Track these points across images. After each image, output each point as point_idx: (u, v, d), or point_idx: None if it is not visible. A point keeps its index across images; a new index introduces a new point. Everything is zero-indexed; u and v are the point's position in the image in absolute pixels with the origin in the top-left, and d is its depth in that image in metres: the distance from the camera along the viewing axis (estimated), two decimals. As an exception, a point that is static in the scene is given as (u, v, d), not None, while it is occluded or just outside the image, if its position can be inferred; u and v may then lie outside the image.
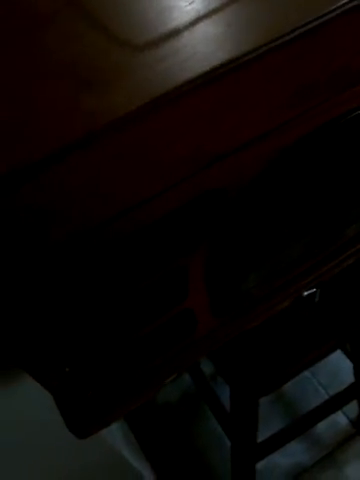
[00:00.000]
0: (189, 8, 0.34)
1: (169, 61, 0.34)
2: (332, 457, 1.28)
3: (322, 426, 1.29)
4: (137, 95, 0.32)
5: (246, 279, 0.51)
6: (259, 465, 1.17)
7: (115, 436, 1.07)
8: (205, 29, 0.34)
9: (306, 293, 0.63)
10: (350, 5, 0.34)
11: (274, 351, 0.81)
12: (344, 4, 0.34)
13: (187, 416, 1.36)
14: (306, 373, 1.38)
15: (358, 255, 0.64)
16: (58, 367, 0.45)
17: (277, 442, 1.16)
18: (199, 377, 1.22)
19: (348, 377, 1.22)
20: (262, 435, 1.15)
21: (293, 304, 0.65)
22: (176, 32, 0.33)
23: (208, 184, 0.38)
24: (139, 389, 0.55)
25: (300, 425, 1.22)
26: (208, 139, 0.36)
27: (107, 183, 0.34)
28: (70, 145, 0.29)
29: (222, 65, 0.33)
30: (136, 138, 0.33)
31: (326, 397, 1.30)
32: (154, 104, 0.32)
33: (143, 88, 0.33)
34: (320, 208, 0.49)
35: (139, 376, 0.54)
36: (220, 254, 0.46)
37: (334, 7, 0.34)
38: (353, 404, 1.27)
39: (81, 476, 0.97)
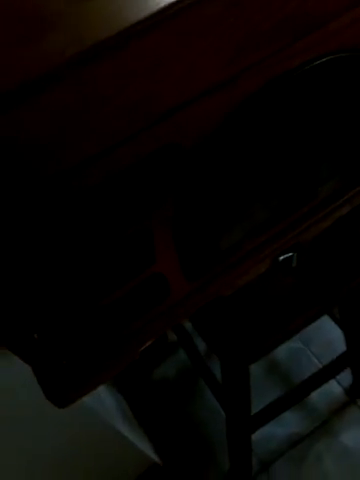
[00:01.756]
0: None
1: (115, 5, 0.34)
2: (327, 425, 1.30)
3: (317, 395, 1.30)
4: (83, 39, 0.32)
5: (217, 240, 0.52)
6: (255, 435, 1.18)
7: (111, 412, 1.09)
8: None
9: (282, 257, 0.63)
10: None
11: (260, 318, 0.82)
12: None
13: (184, 391, 1.38)
14: (299, 344, 1.39)
15: (334, 217, 0.64)
16: (27, 334, 0.45)
17: (272, 412, 1.18)
18: (194, 353, 1.23)
19: (341, 346, 1.23)
20: (257, 406, 1.16)
21: (271, 269, 0.65)
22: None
23: (164, 138, 0.38)
24: (116, 356, 0.55)
25: (294, 395, 1.23)
26: (158, 88, 0.35)
27: (55, 137, 0.34)
28: (11, 94, 0.29)
29: (165, 8, 0.33)
30: (84, 84, 0.32)
31: (320, 367, 1.31)
32: (100, 48, 0.32)
33: (89, 32, 0.33)
34: (285, 165, 0.48)
35: (115, 342, 0.55)
36: (186, 215, 0.46)
37: None
38: (347, 372, 1.28)
39: (76, 453, 0.99)
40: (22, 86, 0.28)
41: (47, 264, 0.40)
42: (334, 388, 1.33)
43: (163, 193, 0.42)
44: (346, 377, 1.31)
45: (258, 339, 0.82)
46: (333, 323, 1.25)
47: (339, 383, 1.33)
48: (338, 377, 1.31)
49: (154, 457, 1.24)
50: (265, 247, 0.59)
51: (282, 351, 1.38)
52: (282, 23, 0.37)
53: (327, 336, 1.36)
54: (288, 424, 1.30)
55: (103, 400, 1.04)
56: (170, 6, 0.32)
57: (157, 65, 0.34)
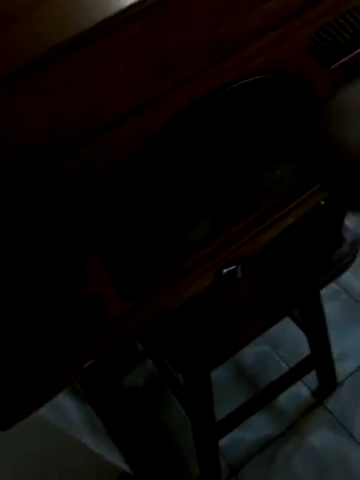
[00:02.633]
0: None
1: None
2: (295, 427, 1.31)
3: (284, 398, 1.32)
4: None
5: (150, 259, 0.52)
6: (223, 441, 1.19)
7: (76, 426, 1.08)
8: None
9: (226, 270, 0.64)
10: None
11: (218, 325, 0.82)
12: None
13: (153, 399, 1.38)
14: (266, 347, 1.40)
15: (276, 229, 0.65)
16: None
17: (239, 417, 1.18)
18: (159, 361, 1.24)
19: (308, 349, 1.24)
20: (225, 412, 1.17)
21: (217, 282, 0.65)
22: None
23: (81, 164, 0.38)
24: (57, 375, 0.55)
25: (261, 398, 1.24)
26: (73, 117, 0.36)
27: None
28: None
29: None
30: None
31: (286, 369, 1.32)
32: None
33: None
34: (214, 182, 0.49)
35: (56, 361, 0.55)
36: (114, 240, 0.47)
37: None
38: (313, 375, 1.29)
39: (41, 469, 0.98)
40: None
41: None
42: (301, 390, 1.34)
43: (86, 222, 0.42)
44: (313, 379, 1.32)
45: (216, 345, 0.82)
46: (298, 327, 1.26)
47: (306, 385, 1.35)
48: (304, 379, 1.32)
49: (124, 467, 1.24)
50: (206, 261, 0.60)
51: (249, 355, 1.39)
52: (201, 46, 0.37)
53: (293, 339, 1.37)
54: (256, 428, 1.31)
55: (67, 414, 1.04)
56: (83, 34, 0.33)
57: (65, 94, 0.34)
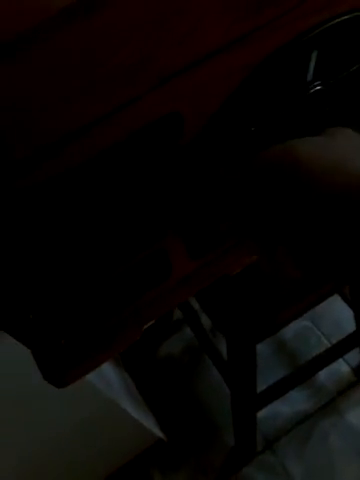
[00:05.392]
0: None
1: None
2: (334, 404, 1.29)
3: (323, 374, 1.29)
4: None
5: (221, 217, 0.49)
6: (260, 413, 1.17)
7: (115, 390, 1.08)
8: None
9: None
10: None
11: (268, 296, 0.79)
12: None
13: (189, 368, 1.37)
14: (308, 323, 1.37)
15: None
16: (22, 314, 0.43)
17: (278, 391, 1.16)
18: (199, 330, 1.21)
19: (350, 326, 1.20)
20: (263, 384, 1.15)
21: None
22: None
23: (162, 106, 0.34)
24: (117, 335, 0.53)
25: (301, 373, 1.21)
26: (158, 49, 0.32)
27: (40, 101, 0.30)
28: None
29: None
30: (71, 43, 0.29)
31: (328, 346, 1.29)
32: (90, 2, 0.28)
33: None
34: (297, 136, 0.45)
35: (116, 321, 0.52)
36: (190, 190, 0.43)
37: None
38: (355, 352, 1.26)
39: (80, 430, 0.98)
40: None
41: (50, 237, 0.37)
42: (341, 367, 1.31)
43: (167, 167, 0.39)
44: (354, 357, 1.29)
45: (266, 317, 0.80)
46: (343, 303, 1.22)
47: (347, 362, 1.31)
48: (346, 356, 1.29)
49: (159, 433, 1.23)
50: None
51: (290, 329, 1.36)
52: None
53: (336, 315, 1.34)
54: (294, 402, 1.29)
55: (107, 378, 1.03)
56: None
57: (161, 20, 0.30)
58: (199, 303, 0.90)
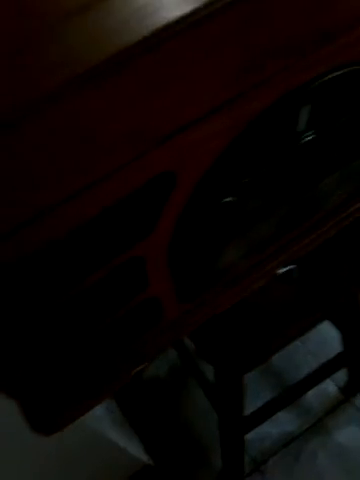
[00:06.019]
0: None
1: (103, 25, 0.30)
2: (321, 424, 1.28)
3: (311, 394, 1.28)
4: (67, 65, 0.28)
5: (214, 262, 0.48)
6: (248, 435, 1.16)
7: (99, 418, 1.06)
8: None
9: (282, 270, 0.60)
10: None
11: (255, 326, 0.78)
12: None
13: (175, 391, 1.35)
14: (295, 342, 1.37)
15: (336, 229, 0.60)
16: (11, 366, 0.42)
17: (265, 413, 1.16)
18: (185, 353, 1.20)
19: (337, 345, 1.20)
20: (251, 406, 1.14)
21: (271, 281, 0.61)
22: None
23: (155, 168, 0.34)
24: (108, 380, 0.52)
25: (289, 395, 1.21)
26: (151, 115, 0.31)
27: (39, 170, 0.30)
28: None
29: (162, 29, 0.29)
30: (68, 116, 0.29)
31: (315, 366, 1.29)
32: (87, 76, 0.28)
33: (74, 57, 0.29)
34: (288, 184, 0.45)
35: (107, 367, 0.51)
36: (184, 238, 0.43)
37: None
38: (342, 372, 1.26)
39: (64, 460, 0.96)
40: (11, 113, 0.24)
41: (39, 296, 0.36)
42: (329, 387, 1.31)
43: (154, 220, 0.38)
44: (341, 376, 1.29)
45: (253, 348, 0.79)
46: (329, 323, 1.22)
47: (334, 382, 1.31)
48: (333, 376, 1.28)
49: (145, 458, 1.22)
50: (266, 263, 0.56)
51: (277, 349, 1.35)
52: (289, 39, 0.33)
53: (323, 335, 1.34)
54: (282, 423, 1.28)
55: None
56: (167, 27, 0.28)
57: (155, 88, 0.30)
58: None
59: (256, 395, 1.25)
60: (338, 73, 0.38)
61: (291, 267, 0.60)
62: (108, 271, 0.39)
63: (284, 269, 0.60)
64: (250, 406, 1.13)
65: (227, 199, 0.40)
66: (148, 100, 0.31)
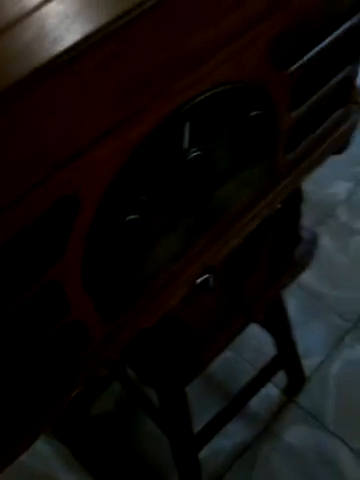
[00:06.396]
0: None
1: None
2: (270, 428, 1.32)
3: (255, 401, 1.32)
4: None
5: (130, 280, 0.51)
6: (202, 453, 1.18)
7: (49, 462, 1.04)
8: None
9: (199, 280, 0.64)
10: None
11: (186, 338, 0.82)
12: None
13: (125, 423, 1.35)
14: (231, 353, 1.41)
15: (243, 234, 0.66)
16: None
17: (215, 427, 1.18)
18: (127, 382, 1.21)
19: (272, 349, 1.26)
20: (200, 423, 1.16)
21: (191, 292, 0.65)
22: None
23: (57, 191, 0.37)
24: (43, 409, 0.53)
25: (234, 405, 1.24)
26: (48, 141, 0.35)
27: None
28: None
29: (46, 63, 0.32)
30: None
31: (254, 373, 1.34)
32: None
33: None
34: (183, 198, 0.49)
35: (40, 395, 0.52)
36: (96, 262, 0.46)
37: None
38: (281, 373, 1.31)
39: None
40: None
41: None
42: (271, 391, 1.36)
43: (64, 244, 0.41)
44: (280, 378, 1.34)
45: (191, 358, 0.82)
46: (260, 328, 1.27)
47: (275, 385, 1.36)
48: (272, 379, 1.34)
49: (103, 496, 1.20)
50: (181, 274, 0.59)
51: (215, 364, 1.38)
52: (162, 67, 0.38)
53: (256, 342, 1.39)
54: (231, 435, 1.31)
55: (38, 452, 1.00)
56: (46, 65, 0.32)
57: (52, 114, 0.33)
58: (122, 359, 0.91)
59: (202, 412, 1.27)
60: (211, 93, 0.43)
61: (206, 276, 0.64)
62: (28, 297, 0.41)
63: (200, 279, 0.64)
64: (198, 423, 1.15)
65: (130, 217, 0.44)
66: (43, 128, 0.34)
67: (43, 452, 1.04)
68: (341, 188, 1.77)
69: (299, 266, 0.88)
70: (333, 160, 0.77)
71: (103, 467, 1.28)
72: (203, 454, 1.20)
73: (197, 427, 1.13)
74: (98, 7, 0.35)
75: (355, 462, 1.27)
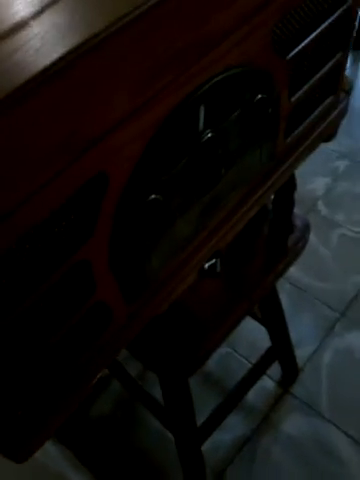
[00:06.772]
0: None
1: (22, 52, 0.35)
2: (268, 420, 1.35)
3: (252, 394, 1.35)
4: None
5: (149, 261, 0.53)
6: (203, 448, 1.20)
7: (59, 462, 1.04)
8: (51, 18, 0.35)
9: (207, 265, 0.66)
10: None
11: (189, 328, 0.84)
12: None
13: (125, 422, 1.36)
14: (227, 349, 1.44)
15: (245, 219, 0.68)
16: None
17: (216, 420, 1.20)
18: (127, 380, 1.22)
19: (265, 343, 1.29)
20: (200, 419, 1.18)
21: (199, 278, 0.67)
22: (23, 23, 0.34)
23: (90, 169, 0.39)
24: (69, 393, 0.54)
25: (232, 399, 1.26)
26: (79, 124, 0.37)
27: None
28: None
29: (74, 50, 0.34)
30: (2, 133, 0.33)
31: (250, 366, 1.36)
32: (16, 95, 0.32)
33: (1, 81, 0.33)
34: (199, 178, 0.52)
35: (67, 379, 0.54)
36: (120, 240, 0.47)
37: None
38: (275, 366, 1.34)
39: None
40: None
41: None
42: (266, 383, 1.38)
43: (94, 222, 0.43)
44: (274, 370, 1.37)
45: (197, 345, 0.84)
46: (254, 322, 1.30)
47: (269, 377, 1.39)
48: (268, 372, 1.36)
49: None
50: (191, 258, 0.62)
51: (212, 360, 1.41)
52: (182, 50, 0.40)
53: (251, 336, 1.42)
54: (231, 428, 1.33)
55: (49, 451, 1.00)
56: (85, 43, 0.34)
57: (77, 100, 0.35)
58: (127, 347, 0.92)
59: (201, 407, 1.29)
60: (223, 76, 0.46)
61: (214, 261, 0.67)
62: (58, 278, 0.43)
63: (208, 263, 0.66)
64: (198, 419, 1.17)
65: (152, 197, 0.46)
66: (74, 112, 0.36)
67: (53, 453, 1.04)
68: (320, 183, 1.82)
69: (293, 253, 0.91)
70: (311, 157, 0.81)
71: (107, 468, 1.28)
72: (204, 449, 1.22)
73: (198, 422, 1.15)
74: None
75: (352, 448, 1.30)
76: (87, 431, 1.33)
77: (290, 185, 0.81)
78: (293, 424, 1.34)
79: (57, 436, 1.27)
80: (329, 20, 0.57)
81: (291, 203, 0.85)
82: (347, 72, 0.72)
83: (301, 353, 1.41)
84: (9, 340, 0.44)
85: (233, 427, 1.33)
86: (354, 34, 0.67)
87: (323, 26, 0.57)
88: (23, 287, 0.42)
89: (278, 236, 0.89)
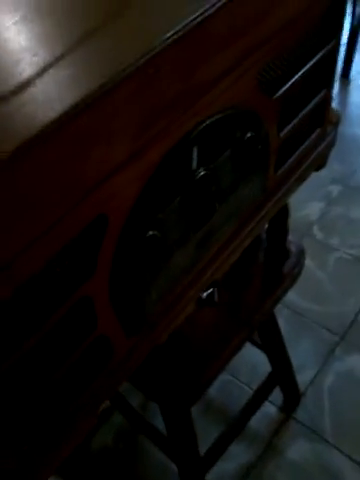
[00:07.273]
0: (35, 59, 0.38)
1: (28, 107, 0.37)
2: (272, 446, 1.34)
3: (254, 421, 1.35)
4: (4, 142, 0.35)
5: (148, 294, 0.55)
6: (207, 478, 1.19)
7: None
8: (54, 74, 0.37)
9: (205, 294, 0.68)
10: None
11: (190, 356, 0.85)
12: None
13: (127, 454, 1.35)
14: (227, 376, 1.44)
15: (240, 249, 0.71)
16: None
17: (219, 449, 1.20)
18: (129, 411, 1.23)
19: (266, 368, 1.29)
20: (203, 448, 1.18)
21: (197, 307, 0.69)
22: (28, 81, 0.36)
23: (89, 215, 0.41)
24: (75, 425, 0.55)
25: (235, 426, 1.26)
26: (80, 171, 0.39)
27: None
28: None
29: (76, 105, 0.37)
30: (9, 184, 0.35)
31: (251, 393, 1.37)
32: (22, 148, 0.35)
33: (9, 135, 0.36)
34: (193, 214, 0.54)
35: (72, 412, 0.55)
36: (120, 275, 0.49)
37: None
38: (277, 392, 1.34)
39: None
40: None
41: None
42: (268, 409, 1.39)
43: (95, 259, 0.45)
44: (276, 396, 1.37)
45: (194, 376, 0.85)
46: (254, 348, 1.31)
47: (272, 403, 1.39)
48: (270, 398, 1.37)
49: None
50: (189, 289, 0.63)
51: (213, 388, 1.41)
52: (174, 100, 0.43)
53: (251, 363, 1.43)
54: (235, 457, 1.32)
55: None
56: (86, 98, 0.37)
57: (77, 151, 0.38)
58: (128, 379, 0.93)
59: (205, 436, 1.29)
60: (214, 119, 0.49)
61: (211, 290, 0.69)
62: (61, 315, 0.45)
63: (206, 293, 0.68)
64: (201, 448, 1.17)
65: (150, 233, 0.48)
66: (76, 159, 0.38)
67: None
68: (314, 208, 1.85)
69: (289, 279, 0.93)
70: (305, 182, 0.84)
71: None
72: (208, 478, 1.21)
73: (201, 451, 1.15)
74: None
75: (357, 473, 1.30)
76: (89, 464, 1.32)
77: (283, 214, 0.83)
78: (297, 450, 1.34)
79: (58, 470, 1.27)
80: (314, 59, 0.60)
81: (285, 230, 0.88)
82: (337, 100, 0.75)
83: (302, 378, 1.41)
84: (13, 378, 0.46)
85: (236, 455, 1.33)
86: (339, 68, 0.70)
87: (309, 65, 0.60)
88: (27, 326, 0.44)
89: (274, 263, 0.92)
